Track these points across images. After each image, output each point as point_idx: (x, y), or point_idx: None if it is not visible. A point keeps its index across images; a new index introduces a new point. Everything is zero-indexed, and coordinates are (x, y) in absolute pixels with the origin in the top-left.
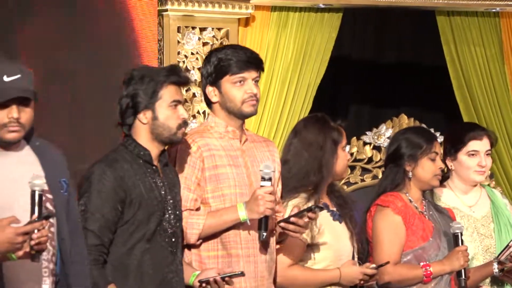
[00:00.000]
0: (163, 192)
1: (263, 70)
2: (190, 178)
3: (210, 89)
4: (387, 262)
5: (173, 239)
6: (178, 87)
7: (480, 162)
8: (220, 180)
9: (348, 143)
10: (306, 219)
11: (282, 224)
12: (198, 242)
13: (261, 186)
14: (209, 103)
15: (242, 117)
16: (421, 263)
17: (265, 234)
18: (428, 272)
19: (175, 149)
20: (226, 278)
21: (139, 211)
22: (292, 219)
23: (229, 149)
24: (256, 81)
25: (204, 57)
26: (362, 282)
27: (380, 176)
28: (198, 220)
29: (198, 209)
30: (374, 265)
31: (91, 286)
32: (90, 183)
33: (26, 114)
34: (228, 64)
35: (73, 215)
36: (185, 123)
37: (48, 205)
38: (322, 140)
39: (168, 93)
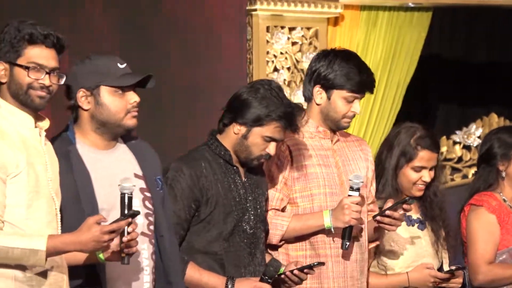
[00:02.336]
0: (242, 192)
1: (372, 92)
2: (277, 177)
3: (317, 89)
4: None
5: (253, 240)
6: (284, 128)
7: None
8: (309, 179)
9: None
10: (401, 212)
11: (378, 217)
12: (281, 243)
13: (349, 195)
14: (309, 99)
15: (335, 128)
16: None
17: (348, 243)
18: None
19: None
20: (305, 270)
21: (215, 210)
22: (387, 212)
23: (319, 149)
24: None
25: (293, 56)
26: (437, 284)
27: (470, 175)
28: (282, 221)
29: (284, 208)
30: (448, 269)
31: None
32: (166, 179)
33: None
34: (347, 82)
35: (167, 213)
36: (267, 157)
37: (147, 204)
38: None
39: (270, 129)
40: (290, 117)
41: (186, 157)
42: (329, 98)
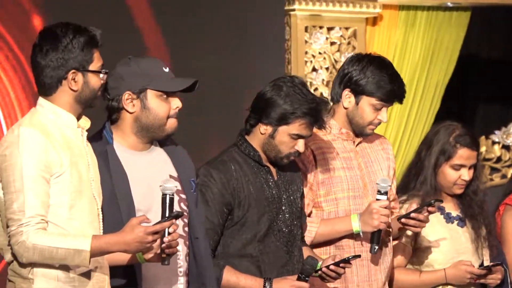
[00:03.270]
0: (275, 191)
1: (401, 102)
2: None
3: (346, 93)
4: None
5: (289, 239)
6: (310, 124)
7: None
8: (333, 183)
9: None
10: (426, 213)
11: (403, 220)
12: None
13: (377, 199)
14: (337, 101)
15: (359, 133)
16: None
17: (376, 247)
18: None
19: None
20: (342, 264)
21: (248, 212)
22: (412, 215)
23: (342, 151)
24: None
25: (331, 56)
26: (475, 280)
27: (509, 175)
28: (310, 227)
29: (310, 213)
30: (485, 265)
31: None
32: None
33: None
34: (378, 90)
35: (200, 215)
36: (296, 154)
37: (182, 205)
38: None
39: (296, 127)
40: (315, 112)
41: (214, 161)
42: (357, 103)
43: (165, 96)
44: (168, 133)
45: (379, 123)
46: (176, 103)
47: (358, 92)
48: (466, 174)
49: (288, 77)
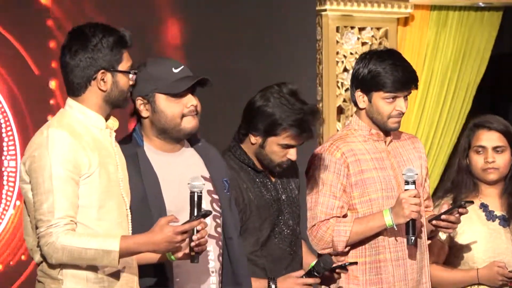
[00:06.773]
0: (274, 194)
1: (417, 87)
2: (336, 186)
3: (359, 94)
4: None
5: (292, 239)
6: (299, 135)
7: None
8: (367, 184)
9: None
10: (457, 215)
11: (434, 222)
12: (346, 249)
13: (405, 190)
14: (355, 103)
15: (385, 129)
16: None
17: (413, 238)
18: None
19: (318, 156)
20: (337, 270)
21: (250, 219)
22: (443, 216)
23: (374, 152)
24: (407, 96)
25: None
26: (510, 284)
27: None
28: (345, 227)
29: (345, 216)
30: None
31: None
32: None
33: (200, 103)
34: (384, 82)
35: (235, 214)
36: (289, 162)
37: (215, 206)
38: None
39: (284, 137)
40: (301, 123)
41: None
42: (370, 101)
43: (173, 97)
44: (186, 133)
45: (399, 114)
46: (189, 101)
47: (367, 90)
48: (490, 156)
49: (276, 87)
